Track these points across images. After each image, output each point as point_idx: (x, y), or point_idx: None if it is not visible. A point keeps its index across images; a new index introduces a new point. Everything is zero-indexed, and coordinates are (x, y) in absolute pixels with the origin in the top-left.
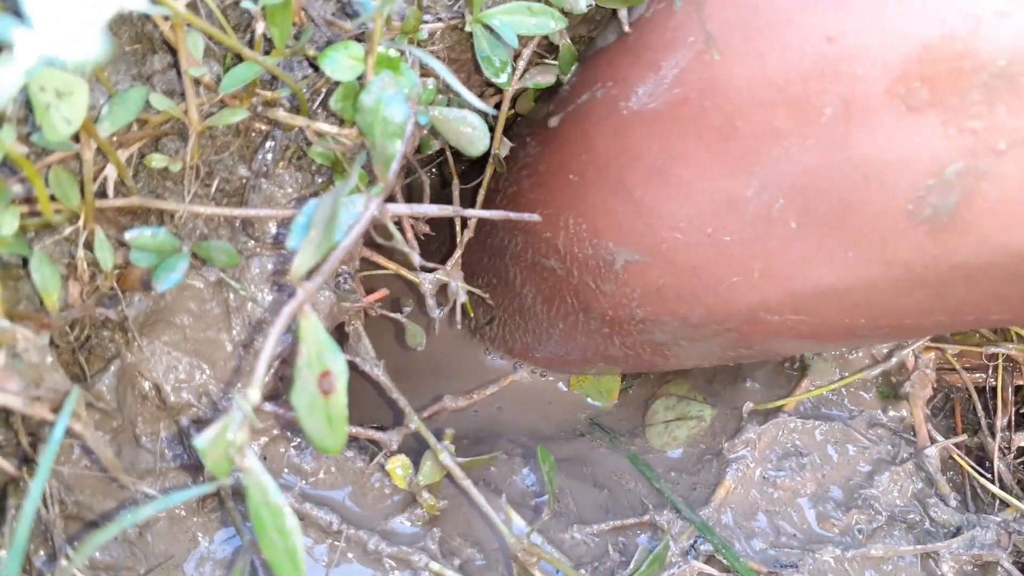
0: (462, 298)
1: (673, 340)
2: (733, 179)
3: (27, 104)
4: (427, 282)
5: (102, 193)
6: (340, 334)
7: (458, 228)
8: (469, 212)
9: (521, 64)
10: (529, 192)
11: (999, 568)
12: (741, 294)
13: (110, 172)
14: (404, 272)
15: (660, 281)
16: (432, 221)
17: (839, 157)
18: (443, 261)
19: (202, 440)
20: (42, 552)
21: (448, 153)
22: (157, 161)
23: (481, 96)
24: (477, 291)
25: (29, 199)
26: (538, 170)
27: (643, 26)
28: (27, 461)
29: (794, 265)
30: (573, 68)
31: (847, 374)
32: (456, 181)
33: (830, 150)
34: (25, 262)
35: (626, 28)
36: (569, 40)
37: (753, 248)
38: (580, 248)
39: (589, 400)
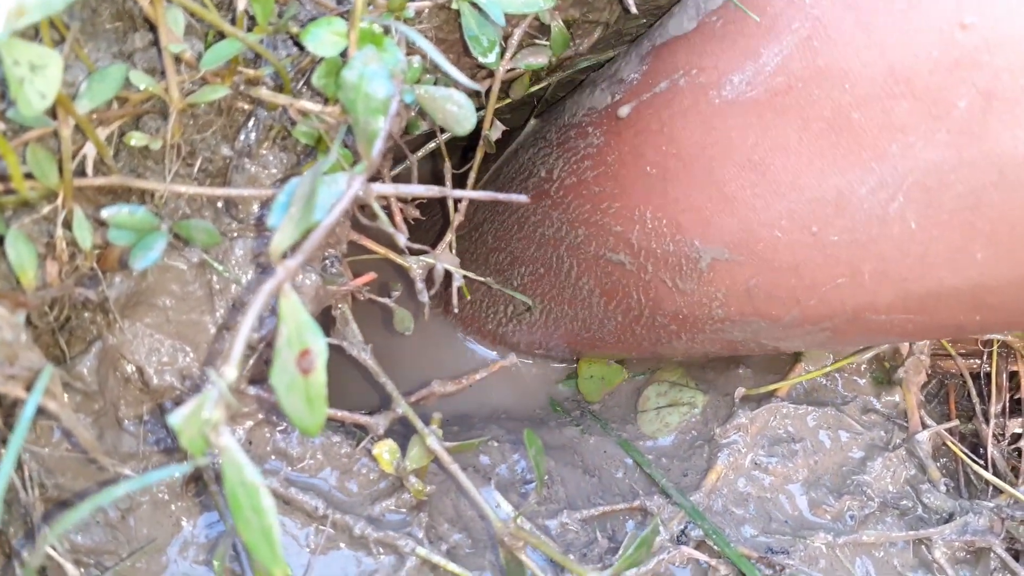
0: (458, 282)
1: (752, 338)
2: (844, 175)
3: (2, 81)
4: (417, 266)
5: (81, 172)
6: (327, 318)
7: (451, 206)
8: (457, 192)
9: (512, 44)
10: (593, 183)
11: (991, 554)
12: (847, 295)
13: (89, 150)
14: (393, 256)
15: (751, 281)
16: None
17: (973, 152)
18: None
19: (177, 417)
20: (21, 534)
21: (439, 136)
22: (137, 139)
23: (472, 79)
24: (473, 275)
25: (4, 177)
26: (605, 161)
27: (735, 12)
28: (4, 442)
29: (911, 267)
30: (633, 57)
31: (840, 359)
32: (448, 164)
33: (962, 145)
34: (1, 240)
35: (633, 10)
36: (561, 22)
37: (865, 248)
38: (658, 244)
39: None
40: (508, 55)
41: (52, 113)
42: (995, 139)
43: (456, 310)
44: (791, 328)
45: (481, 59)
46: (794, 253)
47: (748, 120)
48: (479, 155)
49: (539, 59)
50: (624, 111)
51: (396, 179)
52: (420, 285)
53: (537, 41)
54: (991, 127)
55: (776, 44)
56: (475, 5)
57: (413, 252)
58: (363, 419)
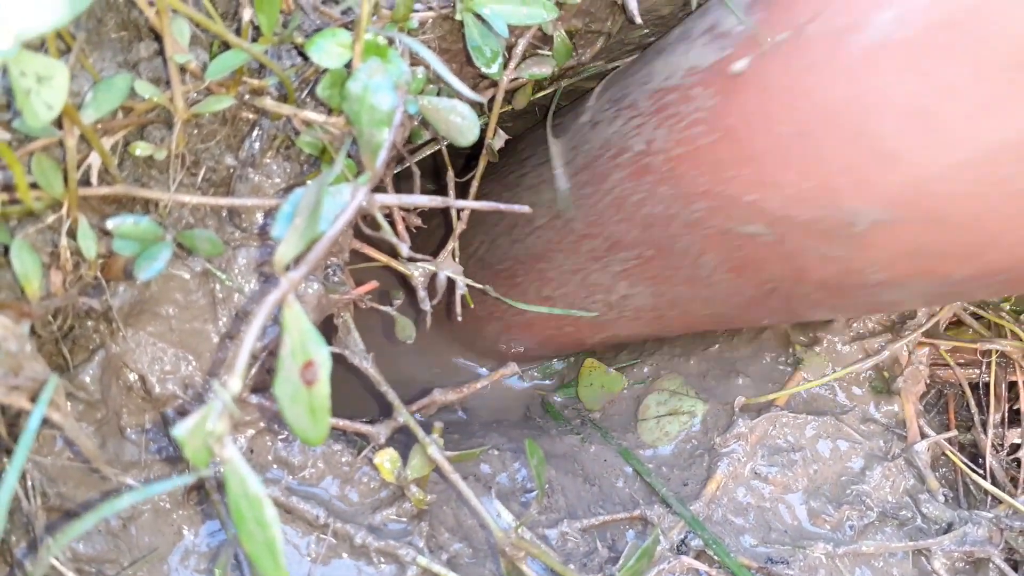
0: (461, 290)
1: (907, 298)
2: None
3: (8, 91)
4: (418, 274)
5: (86, 181)
6: (329, 326)
7: (453, 215)
8: (459, 203)
9: (516, 55)
10: (711, 151)
11: (991, 565)
12: None
13: (94, 160)
14: (396, 264)
15: (919, 240)
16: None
17: None
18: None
19: (181, 429)
20: (23, 543)
21: (443, 147)
22: (142, 149)
23: (475, 88)
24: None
25: (9, 187)
26: (724, 124)
27: None
28: (8, 452)
29: None
30: (735, 4)
31: (839, 369)
32: (451, 172)
33: None
34: (6, 250)
35: (637, 20)
36: (564, 32)
37: None
38: (802, 210)
39: (586, 406)
40: (511, 66)
41: (57, 123)
42: None
43: (460, 318)
44: (960, 283)
45: (484, 69)
46: (973, 206)
47: (903, 64)
48: (482, 163)
49: (542, 69)
50: (739, 66)
51: (397, 179)
52: (423, 293)
53: (540, 51)
54: None
55: None
56: (479, 16)
57: (413, 261)
58: (364, 428)
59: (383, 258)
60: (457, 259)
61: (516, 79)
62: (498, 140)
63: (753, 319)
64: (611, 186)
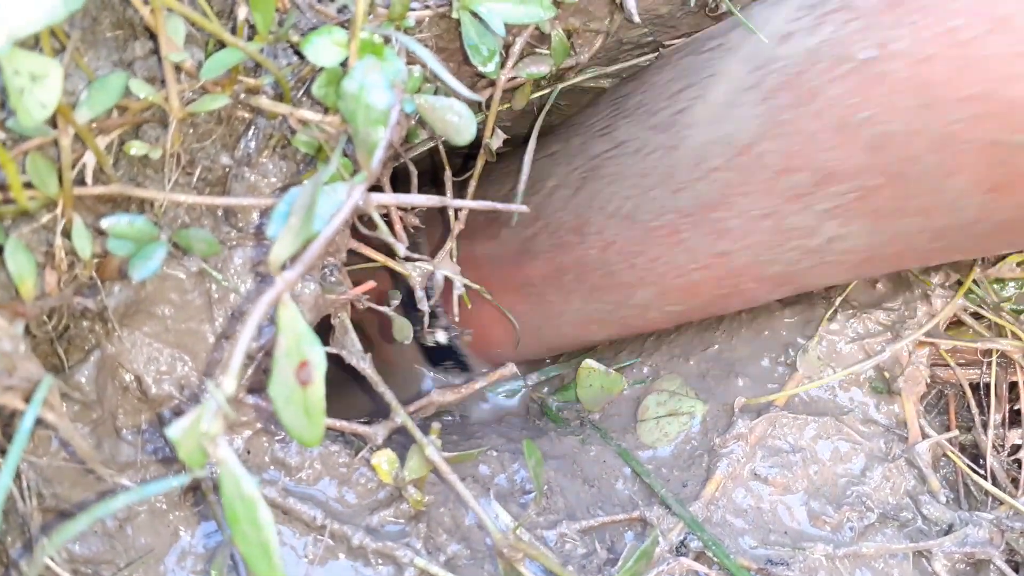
0: (459, 291)
1: None
2: None
3: (2, 90)
4: (416, 274)
5: (81, 181)
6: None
7: (452, 216)
8: (456, 202)
9: (513, 54)
10: (976, 48)
11: (991, 566)
12: None
13: (89, 159)
14: (393, 264)
15: None
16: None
17: None
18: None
19: (175, 430)
20: (19, 544)
21: (440, 146)
22: (137, 148)
23: (472, 88)
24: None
25: (3, 186)
26: (994, 15)
27: None
28: (3, 452)
29: None
30: None
31: (839, 369)
32: (448, 172)
33: None
34: (0, 250)
35: (635, 19)
36: (562, 31)
37: None
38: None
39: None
40: (509, 65)
41: (52, 122)
42: None
43: (456, 319)
44: None
45: (481, 68)
46: None
47: None
48: (480, 163)
49: (540, 68)
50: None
51: (395, 180)
52: (420, 293)
53: (538, 50)
54: None
55: None
56: (475, 15)
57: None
58: (361, 429)
59: (381, 259)
60: (455, 258)
61: (514, 78)
62: (496, 140)
63: (990, 248)
64: (823, 106)
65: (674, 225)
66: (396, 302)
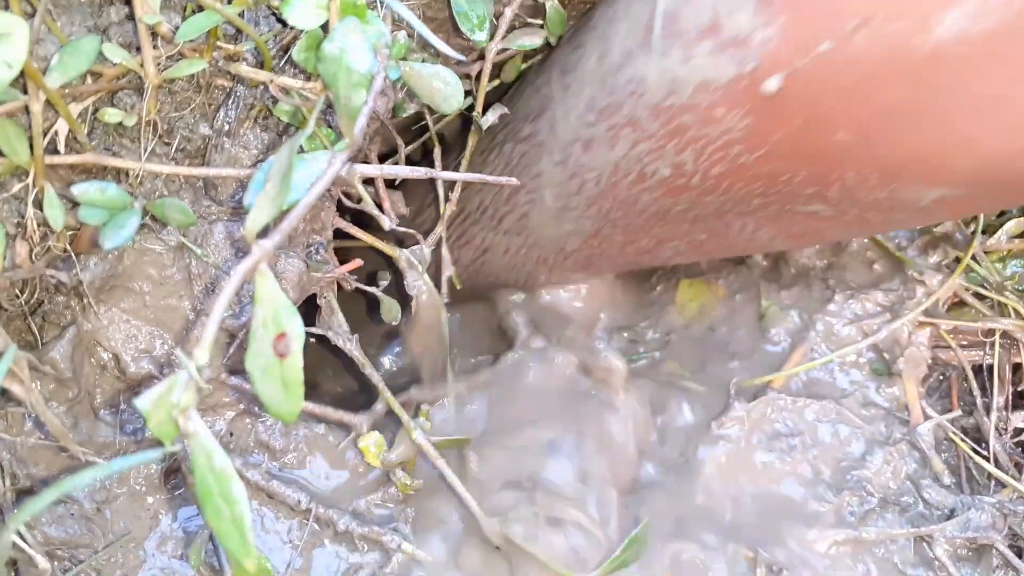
0: (448, 271)
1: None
2: None
3: None
4: (404, 256)
5: (53, 149)
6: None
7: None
8: (444, 174)
9: (504, 22)
10: (759, 164)
11: (994, 551)
12: None
13: (61, 127)
14: (380, 244)
15: (981, 204)
16: None
17: None
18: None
19: (145, 401)
20: None
21: (429, 119)
22: (111, 116)
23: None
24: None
25: None
26: (767, 141)
27: None
28: None
29: None
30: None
31: (837, 350)
32: (438, 149)
33: None
34: None
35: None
36: (557, 1)
37: None
38: (866, 194)
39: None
40: (499, 35)
41: (23, 88)
42: None
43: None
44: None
45: (470, 36)
46: None
47: (980, 57)
48: (471, 142)
49: (533, 40)
50: (772, 86)
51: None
52: (409, 277)
53: (531, 21)
54: None
55: None
56: None
57: (400, 238)
58: (346, 417)
59: (369, 239)
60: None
61: (504, 50)
62: (493, 114)
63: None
64: (644, 206)
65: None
66: (385, 283)
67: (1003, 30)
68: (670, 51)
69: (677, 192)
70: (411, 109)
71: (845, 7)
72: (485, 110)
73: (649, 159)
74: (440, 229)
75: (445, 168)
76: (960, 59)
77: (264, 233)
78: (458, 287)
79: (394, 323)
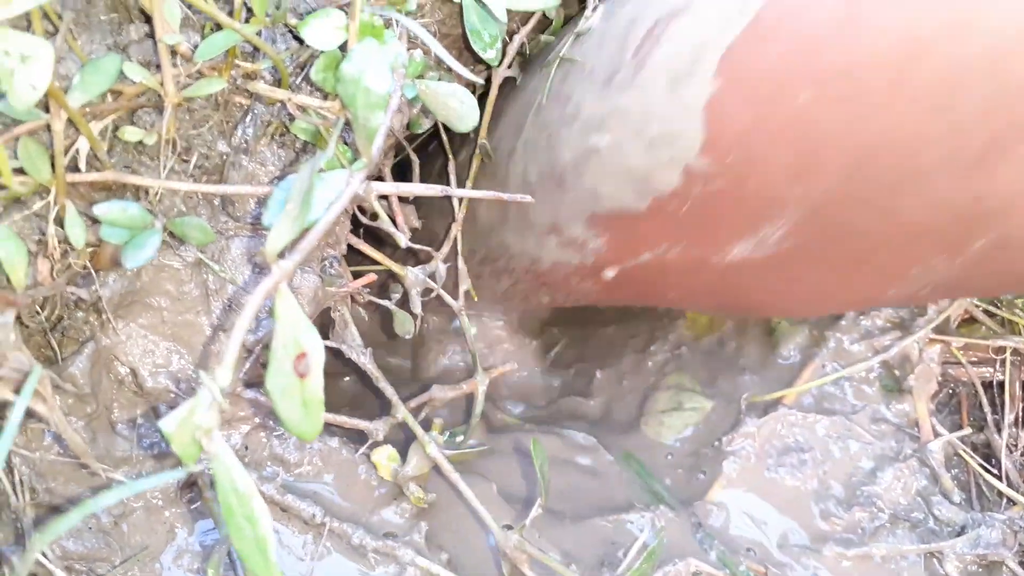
0: (465, 284)
1: None
2: (873, 289)
3: None
4: (412, 276)
5: (74, 167)
6: (326, 320)
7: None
8: (458, 192)
9: (512, 48)
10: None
11: (1004, 568)
12: None
13: (82, 145)
14: (389, 264)
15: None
16: None
17: None
18: None
19: (169, 422)
20: (11, 540)
21: (443, 133)
22: (131, 134)
23: None
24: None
25: None
26: (614, 296)
27: (701, 197)
28: None
29: None
30: (567, 217)
31: (848, 367)
32: (452, 163)
33: None
34: None
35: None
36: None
37: None
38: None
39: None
40: (510, 55)
41: (44, 107)
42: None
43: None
44: None
45: (481, 54)
46: None
47: (766, 270)
48: (475, 164)
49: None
50: (611, 273)
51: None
52: (414, 294)
53: (544, 38)
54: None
55: (773, 225)
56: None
57: (415, 253)
58: (362, 425)
59: (377, 255)
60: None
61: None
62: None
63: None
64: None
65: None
66: (397, 296)
67: (778, 253)
68: (525, 234)
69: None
70: (426, 125)
71: (659, 237)
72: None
73: (530, 291)
74: (454, 237)
75: (431, 173)
76: (751, 269)
77: (283, 252)
78: (475, 299)
79: (407, 336)
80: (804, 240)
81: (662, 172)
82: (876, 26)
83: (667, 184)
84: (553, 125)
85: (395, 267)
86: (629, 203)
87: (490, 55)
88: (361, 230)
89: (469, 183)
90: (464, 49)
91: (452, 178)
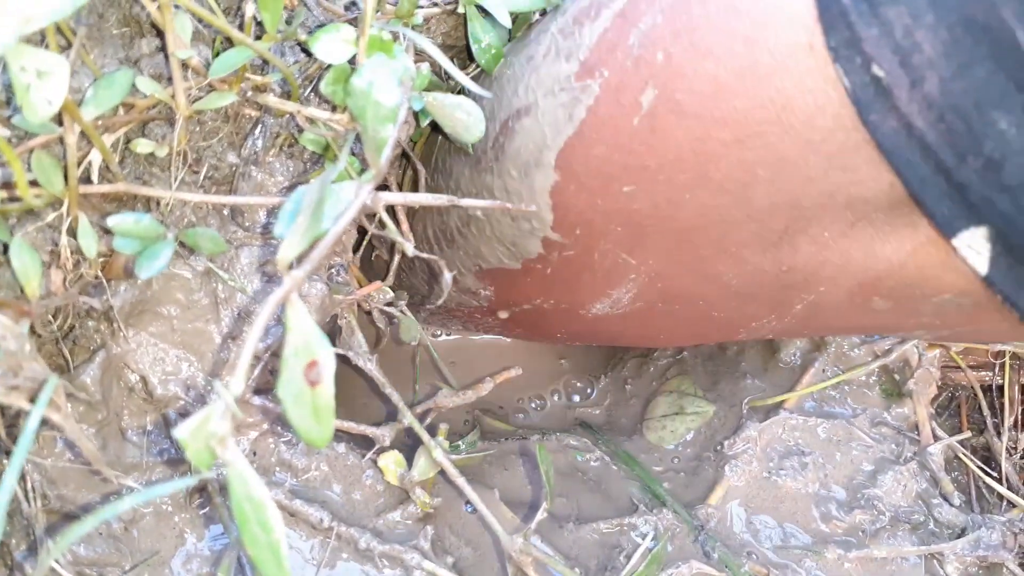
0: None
1: None
2: None
3: (8, 87)
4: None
5: (87, 179)
6: (333, 327)
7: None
8: (464, 201)
9: None
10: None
11: (1004, 570)
12: None
13: (95, 157)
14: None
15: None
16: None
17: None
18: None
19: (183, 431)
20: (23, 546)
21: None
22: (143, 146)
23: None
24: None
25: (9, 184)
26: (513, 332)
27: (560, 260)
28: (7, 453)
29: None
30: (461, 266)
31: (848, 371)
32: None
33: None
34: (5, 248)
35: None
36: None
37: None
38: None
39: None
40: None
41: (58, 120)
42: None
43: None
44: None
45: (480, 62)
46: None
47: (626, 323)
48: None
49: None
50: (504, 315)
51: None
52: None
53: None
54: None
55: (621, 288)
56: (481, 8)
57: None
58: (369, 430)
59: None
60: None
61: None
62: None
63: None
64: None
65: None
66: (404, 303)
67: (632, 311)
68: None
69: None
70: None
71: (533, 292)
72: None
73: (446, 317)
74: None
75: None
76: (614, 321)
77: (294, 262)
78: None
79: (413, 343)
80: (650, 302)
81: (525, 241)
82: (672, 138)
83: (531, 251)
84: (442, 191)
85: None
86: (506, 262)
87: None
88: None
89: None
90: (469, 61)
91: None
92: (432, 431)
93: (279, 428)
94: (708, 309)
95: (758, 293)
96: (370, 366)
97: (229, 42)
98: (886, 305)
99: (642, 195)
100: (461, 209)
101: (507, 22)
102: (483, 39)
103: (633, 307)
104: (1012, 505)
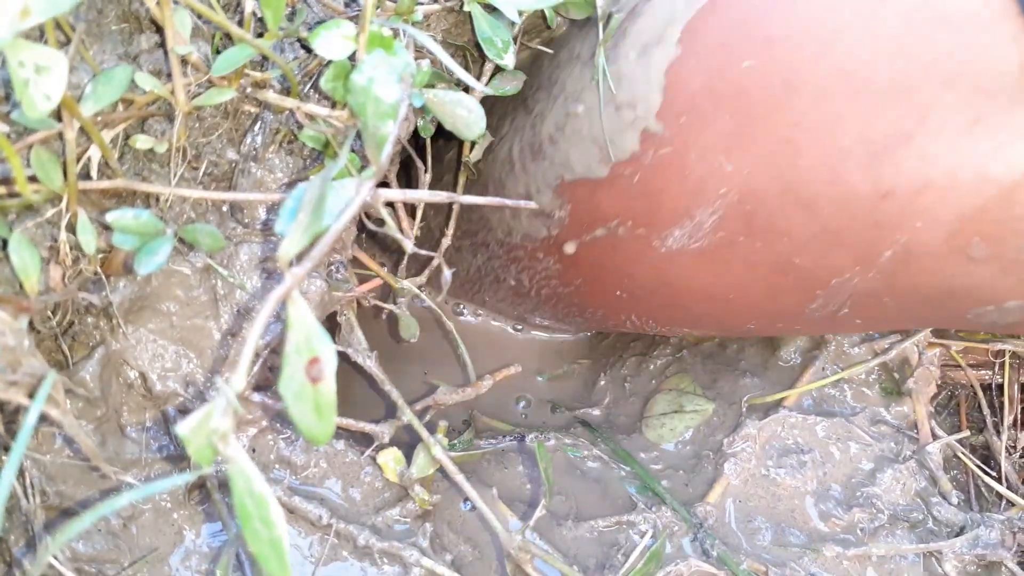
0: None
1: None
2: (795, 299)
3: (7, 83)
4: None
5: (86, 175)
6: (332, 324)
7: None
8: (463, 198)
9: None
10: (573, 296)
11: (1003, 568)
12: None
13: (94, 153)
14: (386, 276)
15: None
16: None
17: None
18: None
19: (184, 427)
20: (22, 542)
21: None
22: (142, 142)
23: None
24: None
25: (8, 180)
26: (573, 283)
27: (650, 168)
28: (6, 449)
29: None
30: (541, 185)
31: (848, 369)
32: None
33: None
34: (5, 244)
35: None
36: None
37: None
38: (650, 328)
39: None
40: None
41: (57, 115)
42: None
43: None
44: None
45: (497, 61)
46: None
47: (699, 265)
48: (461, 180)
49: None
50: (570, 248)
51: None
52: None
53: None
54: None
55: (708, 207)
56: (487, 6)
57: (419, 257)
58: (368, 427)
59: (374, 267)
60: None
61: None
62: (476, 152)
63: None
64: (507, 290)
65: None
66: (403, 300)
67: (710, 249)
68: (500, 209)
69: (519, 297)
70: (433, 130)
71: (605, 208)
72: None
73: (501, 268)
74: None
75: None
76: (687, 262)
77: (294, 259)
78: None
79: (412, 340)
80: (733, 234)
81: (624, 136)
82: (802, 3)
83: (626, 149)
84: (540, 104)
85: (388, 277)
86: (594, 168)
87: (505, 60)
88: (363, 234)
89: (460, 186)
90: (471, 60)
91: (460, 187)
92: (431, 428)
93: (278, 425)
94: (790, 253)
95: (846, 231)
96: (370, 363)
97: (228, 38)
98: (985, 251)
99: (759, 74)
100: (560, 110)
101: (516, 17)
102: (494, 37)
103: (713, 239)
104: (1011, 504)
